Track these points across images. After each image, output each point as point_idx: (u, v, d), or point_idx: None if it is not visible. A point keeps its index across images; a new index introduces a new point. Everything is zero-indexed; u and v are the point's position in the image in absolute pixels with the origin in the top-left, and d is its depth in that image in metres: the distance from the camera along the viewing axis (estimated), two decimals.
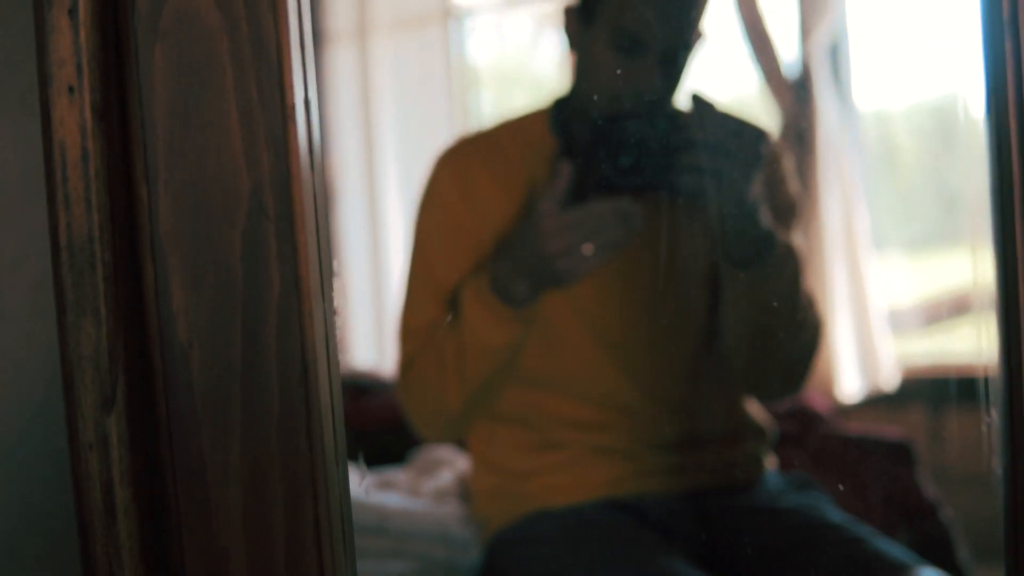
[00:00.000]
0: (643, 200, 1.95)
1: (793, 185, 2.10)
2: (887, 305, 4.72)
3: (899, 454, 2.81)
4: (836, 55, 4.75)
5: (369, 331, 5.54)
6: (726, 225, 1.84)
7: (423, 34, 5.48)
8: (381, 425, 3.37)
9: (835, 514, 2.07)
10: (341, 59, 5.67)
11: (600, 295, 1.99)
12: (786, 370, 2.03)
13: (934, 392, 4.64)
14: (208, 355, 1.02)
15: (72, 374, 1.02)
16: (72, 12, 1.00)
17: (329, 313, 1.04)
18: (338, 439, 1.05)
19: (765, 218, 1.85)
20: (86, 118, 1.00)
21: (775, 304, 1.91)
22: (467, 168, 2.04)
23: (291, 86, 1.00)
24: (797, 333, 1.97)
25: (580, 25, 2.01)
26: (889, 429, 2.90)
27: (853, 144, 4.69)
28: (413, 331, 2.01)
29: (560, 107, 2.10)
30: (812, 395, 3.11)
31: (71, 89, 1.00)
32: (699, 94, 1.83)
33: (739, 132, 1.78)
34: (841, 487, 2.71)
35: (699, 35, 1.95)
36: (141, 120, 1.01)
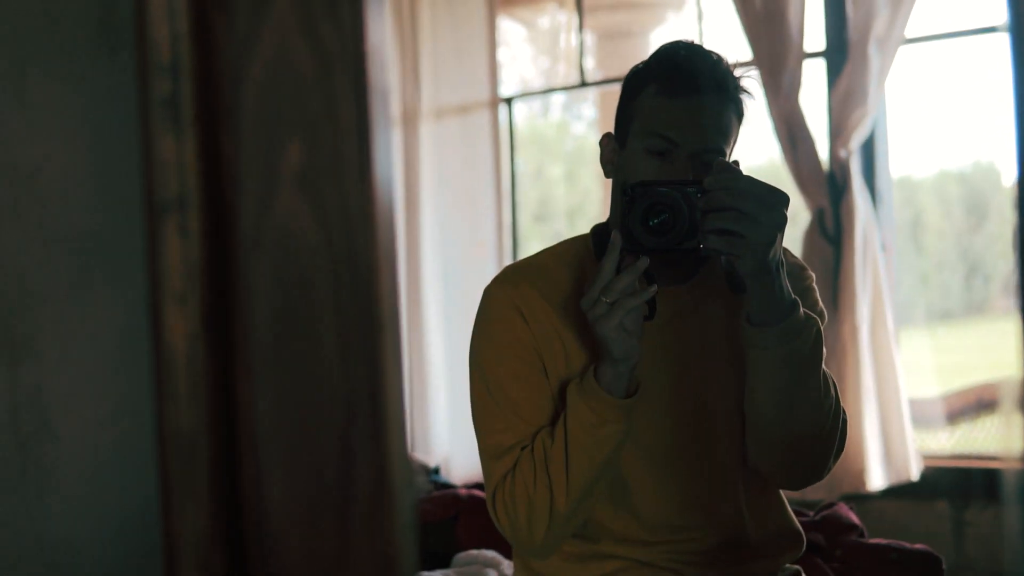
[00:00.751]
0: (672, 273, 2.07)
1: (818, 299, 2.18)
2: (912, 398, 4.76)
3: (927, 565, 2.86)
4: (870, 145, 4.80)
5: (408, 418, 5.59)
6: (749, 286, 1.94)
7: (471, 117, 5.55)
8: (428, 521, 3.42)
9: None
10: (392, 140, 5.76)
11: (642, 411, 2.07)
12: (808, 449, 2.10)
13: (957, 485, 4.68)
14: (299, 544, 1.11)
15: (173, 552, 1.12)
16: (182, 227, 1.10)
17: (410, 506, 1.13)
18: None
19: (786, 282, 1.95)
20: (194, 325, 1.10)
21: (795, 373, 2.00)
22: (518, 288, 2.14)
23: (381, 300, 1.09)
24: (818, 409, 2.05)
25: (616, 150, 2.12)
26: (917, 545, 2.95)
27: (885, 230, 4.73)
28: (505, 449, 2.09)
29: (600, 233, 2.20)
30: (840, 505, 3.17)
31: (180, 298, 1.10)
32: (723, 160, 1.94)
33: (761, 194, 1.88)
34: None
35: (736, 163, 2.05)
36: (244, 326, 1.11)
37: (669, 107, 2.04)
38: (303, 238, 1.10)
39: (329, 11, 1.10)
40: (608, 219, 2.23)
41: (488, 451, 2.12)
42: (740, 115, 2.10)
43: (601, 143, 2.19)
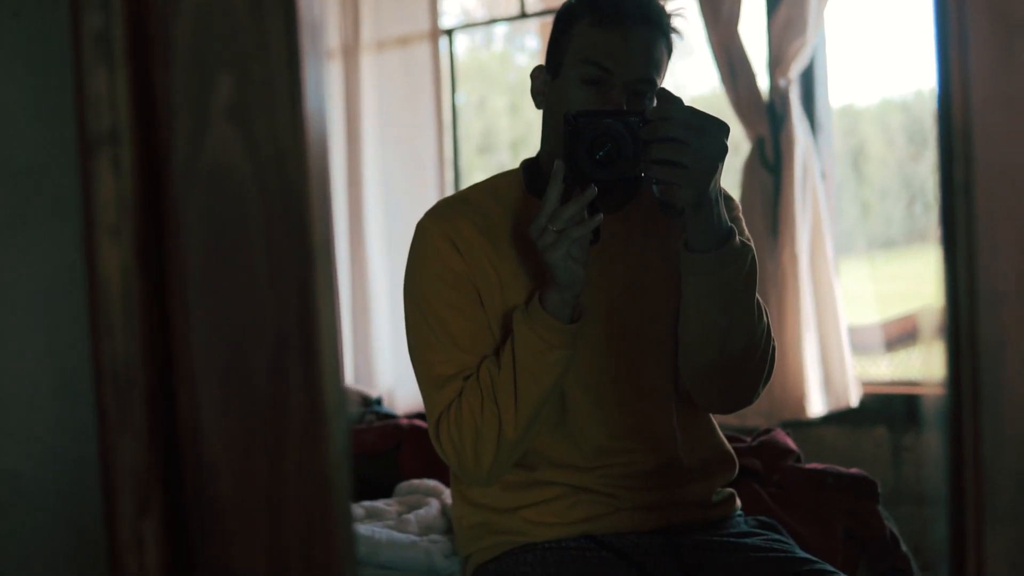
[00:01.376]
0: (613, 202, 2.09)
1: (744, 228, 2.22)
2: (851, 325, 4.80)
3: (862, 489, 2.91)
4: (810, 75, 4.82)
5: (351, 350, 5.60)
6: (688, 214, 1.97)
7: (412, 49, 5.53)
8: (370, 452, 3.44)
9: (801, 552, 2.20)
10: (331, 73, 5.72)
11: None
12: (740, 374, 2.14)
13: (895, 410, 4.73)
14: (235, 471, 1.13)
15: (112, 483, 1.13)
16: (115, 162, 1.11)
17: (344, 431, 1.15)
18: (350, 544, 1.16)
19: (723, 211, 1.99)
20: (127, 259, 1.11)
21: (730, 298, 2.03)
22: (451, 221, 2.16)
23: (312, 231, 1.11)
24: (751, 334, 2.09)
25: (548, 81, 2.15)
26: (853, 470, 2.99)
27: (825, 159, 4.76)
28: (447, 379, 2.12)
29: (530, 168, 2.23)
30: (778, 431, 3.21)
31: (114, 232, 1.11)
32: (665, 90, 1.98)
33: (702, 124, 1.91)
34: (806, 525, 2.82)
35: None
36: (177, 259, 1.12)
37: (604, 37, 2.08)
38: (235, 171, 1.11)
39: None
40: (539, 152, 2.26)
41: (429, 382, 2.15)
42: (670, 49, 2.15)
43: (532, 75, 2.22)
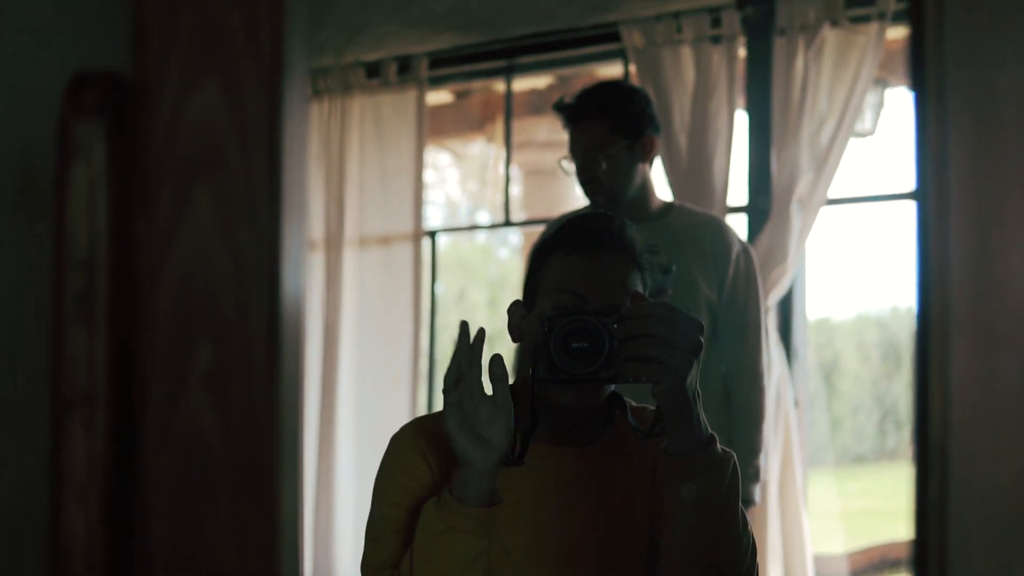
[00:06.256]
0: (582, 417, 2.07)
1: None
2: (817, 554, 4.77)
3: None
4: (788, 300, 4.84)
5: (311, 541, 5.56)
6: (667, 416, 1.95)
7: (394, 247, 5.58)
8: None
9: None
10: (312, 263, 5.77)
11: (533, 549, 2.08)
12: None
13: None
14: None
15: None
16: (88, 423, 1.10)
17: None
18: None
19: (703, 415, 1.97)
20: (94, 521, 1.10)
21: (713, 506, 2.00)
22: (425, 433, 2.16)
23: (281, 505, 1.10)
24: (735, 546, 2.05)
25: (525, 315, 2.16)
26: None
27: (798, 386, 4.76)
28: (378, 566, 2.10)
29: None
30: None
31: (82, 493, 1.10)
32: (637, 291, 1.98)
33: (675, 320, 1.91)
34: None
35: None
36: (144, 524, 1.11)
37: (577, 265, 2.10)
38: (207, 440, 1.10)
39: (248, 216, 1.11)
40: (513, 381, 2.25)
41: (366, 569, 2.14)
42: (645, 283, 2.15)
43: (509, 310, 2.23)
